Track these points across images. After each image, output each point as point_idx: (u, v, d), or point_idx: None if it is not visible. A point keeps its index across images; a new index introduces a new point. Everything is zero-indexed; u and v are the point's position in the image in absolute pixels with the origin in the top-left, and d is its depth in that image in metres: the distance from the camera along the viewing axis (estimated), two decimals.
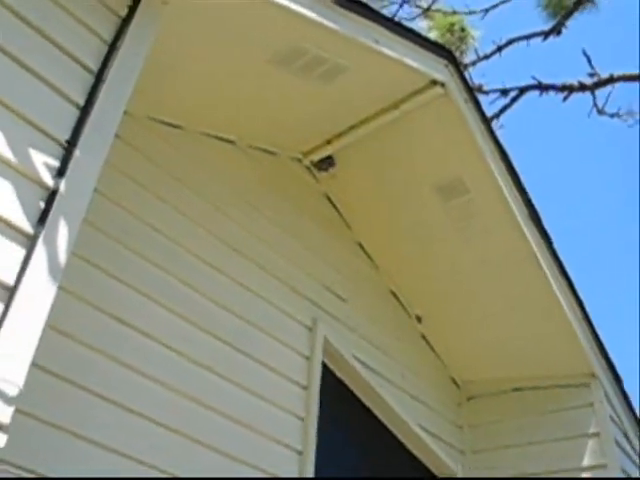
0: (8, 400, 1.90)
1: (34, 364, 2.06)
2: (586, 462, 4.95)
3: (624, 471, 4.96)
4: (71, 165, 2.33)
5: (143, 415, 3.16)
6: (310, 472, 3.90)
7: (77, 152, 2.36)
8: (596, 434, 5.00)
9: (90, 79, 2.53)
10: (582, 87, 8.54)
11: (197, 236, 3.85)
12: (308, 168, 4.90)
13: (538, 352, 5.22)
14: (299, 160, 4.83)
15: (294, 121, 4.42)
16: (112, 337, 3.17)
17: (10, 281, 2.05)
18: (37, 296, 2.10)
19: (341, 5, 3.52)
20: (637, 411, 5.65)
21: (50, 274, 2.15)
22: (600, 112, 8.66)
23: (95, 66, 2.56)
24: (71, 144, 2.36)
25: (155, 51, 2.89)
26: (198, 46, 3.51)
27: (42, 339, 2.07)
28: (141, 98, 3.07)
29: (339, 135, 4.55)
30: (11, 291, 2.04)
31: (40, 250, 2.15)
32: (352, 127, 4.46)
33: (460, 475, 5.16)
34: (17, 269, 2.08)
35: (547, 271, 4.79)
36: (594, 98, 8.64)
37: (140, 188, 3.61)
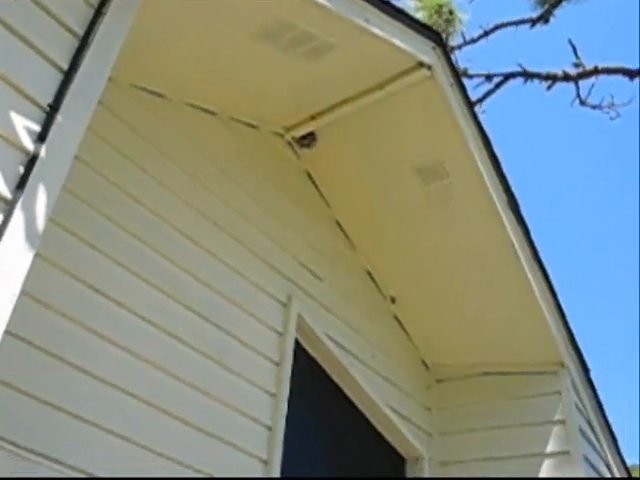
0: None
1: (8, 332, 2.04)
2: (550, 448, 5.02)
3: (586, 459, 5.04)
4: (52, 130, 2.29)
5: (116, 386, 3.15)
6: (279, 448, 3.91)
7: (59, 117, 2.32)
8: (561, 421, 5.07)
9: (75, 43, 2.48)
10: (566, 77, 8.56)
11: (176, 207, 3.81)
12: (289, 143, 4.87)
13: (509, 338, 5.27)
14: (281, 135, 4.79)
15: (278, 96, 4.38)
16: (87, 306, 3.15)
17: None
18: (13, 262, 2.07)
19: None
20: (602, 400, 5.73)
21: (27, 240, 2.12)
22: (582, 103, 8.70)
23: (81, 30, 2.51)
24: (53, 109, 2.32)
25: (141, 18, 2.84)
26: (185, 15, 3.45)
27: (17, 307, 2.04)
28: (126, 65, 3.03)
29: (322, 112, 4.52)
30: None
31: (18, 216, 2.11)
32: (336, 105, 4.43)
33: (426, 456, 5.21)
34: None
35: (522, 259, 4.82)
36: (577, 89, 8.67)
37: (120, 156, 3.57)
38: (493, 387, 5.42)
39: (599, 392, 5.65)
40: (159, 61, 3.78)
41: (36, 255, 2.18)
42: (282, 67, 4.04)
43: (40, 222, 2.18)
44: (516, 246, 4.76)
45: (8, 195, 2.12)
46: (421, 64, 4.10)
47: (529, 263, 4.89)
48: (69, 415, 2.93)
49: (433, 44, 4.17)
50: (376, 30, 3.75)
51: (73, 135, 2.37)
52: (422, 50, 4.10)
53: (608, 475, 5.67)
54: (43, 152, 2.23)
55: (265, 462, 3.82)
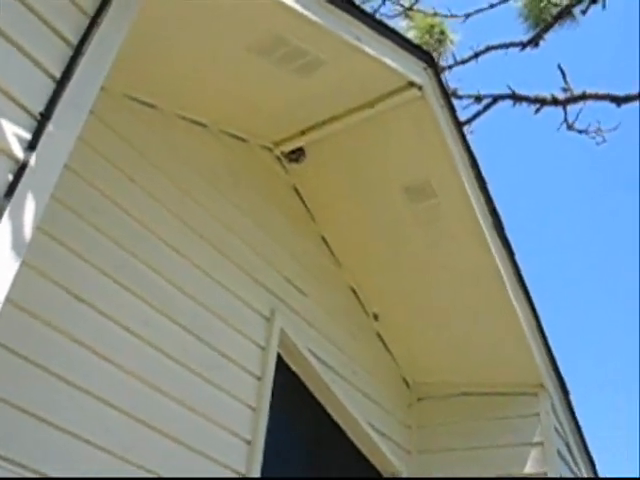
0: None
1: None
2: (528, 469, 5.04)
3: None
4: (43, 139, 2.29)
5: (99, 397, 3.13)
6: (258, 462, 3.90)
7: (50, 126, 2.32)
8: (540, 443, 5.09)
9: (69, 52, 2.48)
10: (554, 101, 8.63)
11: (163, 219, 3.81)
12: (278, 158, 4.87)
13: (490, 359, 5.29)
14: (270, 149, 4.80)
15: (268, 110, 4.39)
16: (73, 316, 3.13)
17: None
18: None
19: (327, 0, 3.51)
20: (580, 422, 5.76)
21: (14, 249, 2.11)
22: (570, 127, 8.76)
23: (75, 39, 2.51)
24: (45, 117, 2.32)
25: (136, 29, 2.84)
26: (180, 27, 3.46)
27: (2, 314, 2.03)
28: (119, 75, 3.03)
29: (312, 128, 4.54)
30: None
31: (5, 224, 2.10)
32: (326, 121, 4.45)
33: (405, 475, 5.20)
34: None
35: (506, 281, 4.85)
36: (565, 113, 8.74)
37: (111, 166, 3.56)
38: (474, 407, 5.43)
39: (578, 415, 5.68)
40: (152, 72, 3.79)
41: (22, 264, 2.17)
42: (274, 81, 4.05)
43: (27, 230, 2.18)
44: (500, 268, 4.79)
45: None
46: (412, 84, 4.13)
47: (512, 285, 4.92)
48: (50, 426, 2.91)
49: (425, 65, 4.19)
50: (367, 48, 3.77)
51: (64, 144, 2.37)
52: (413, 70, 4.13)
53: None
54: (33, 160, 2.23)
55: (243, 476, 3.81)
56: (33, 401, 2.86)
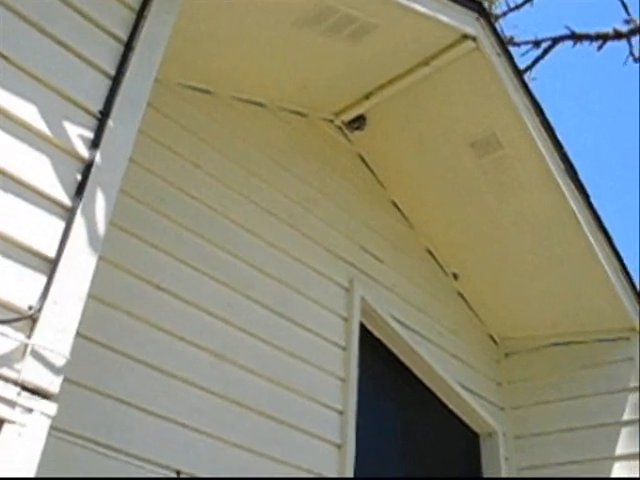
0: (56, 370, 1.94)
1: (79, 334, 2.10)
2: (626, 416, 4.93)
3: None
4: (105, 136, 2.34)
5: (187, 381, 3.21)
6: (352, 431, 3.94)
7: (110, 122, 2.37)
8: (637, 388, 4.97)
9: (120, 48, 2.53)
10: (617, 35, 8.34)
11: (232, 201, 3.86)
12: (340, 128, 4.87)
13: (576, 307, 5.18)
14: (331, 120, 4.80)
15: (324, 82, 4.38)
16: (153, 304, 3.21)
17: (51, 253, 2.08)
18: (78, 267, 2.12)
19: None
20: None
21: (90, 245, 2.17)
22: (636, 60, 8.45)
23: (124, 35, 2.56)
24: (104, 114, 2.37)
25: (183, 18, 2.87)
26: (225, 10, 3.47)
27: (85, 310, 2.10)
28: (171, 65, 3.07)
29: (370, 94, 4.51)
30: (53, 263, 2.07)
31: (79, 222, 2.17)
32: (383, 85, 4.42)
33: (500, 431, 5.17)
34: (57, 241, 2.10)
35: (584, 226, 4.73)
36: (630, 46, 8.43)
37: (173, 155, 3.62)
38: (564, 358, 5.34)
39: None
40: (203, 58, 3.82)
41: (100, 258, 2.23)
42: (326, 52, 4.03)
43: (101, 226, 2.23)
44: (577, 213, 4.67)
45: (68, 202, 2.18)
46: (465, 36, 4.05)
47: (591, 229, 4.79)
48: (145, 412, 3.01)
49: (476, 15, 4.10)
50: (416, 6, 3.71)
51: (125, 139, 2.42)
52: (465, 22, 4.04)
53: None
54: (98, 158, 2.28)
55: (339, 446, 3.86)
56: (126, 390, 2.96)
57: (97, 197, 2.25)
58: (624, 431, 4.89)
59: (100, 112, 2.36)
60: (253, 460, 3.37)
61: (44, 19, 2.31)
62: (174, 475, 2.98)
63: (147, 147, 3.39)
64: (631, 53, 8.36)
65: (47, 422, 1.89)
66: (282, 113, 4.49)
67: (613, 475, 4.78)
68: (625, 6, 8.11)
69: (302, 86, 4.37)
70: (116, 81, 2.46)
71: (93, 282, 2.16)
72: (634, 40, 8.31)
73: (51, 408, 1.90)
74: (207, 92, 4.00)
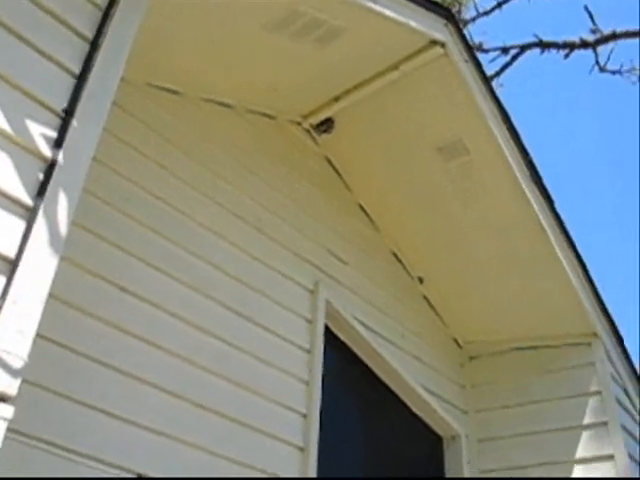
0: (14, 372, 1.91)
1: (40, 335, 2.08)
2: (587, 420, 5.00)
3: (624, 428, 5.01)
4: (69, 135, 2.31)
5: (149, 383, 3.19)
6: (315, 434, 3.94)
7: (74, 122, 2.34)
8: (597, 392, 5.04)
9: (85, 47, 2.50)
10: (584, 44, 8.45)
11: (197, 202, 3.84)
12: (308, 131, 4.87)
13: (540, 312, 5.24)
14: (298, 123, 4.80)
15: (292, 84, 4.37)
16: (115, 305, 3.18)
17: (11, 254, 2.04)
18: (39, 268, 2.09)
19: None
20: (637, 368, 5.69)
21: (51, 246, 2.14)
22: (602, 69, 8.57)
23: (90, 33, 2.52)
24: (68, 114, 2.34)
25: (151, 17, 2.85)
26: (193, 11, 3.45)
27: (46, 310, 2.07)
28: (139, 64, 3.05)
29: (338, 97, 4.52)
30: (13, 264, 2.04)
31: (40, 222, 2.14)
32: (351, 89, 4.42)
33: (463, 434, 5.21)
34: (18, 242, 2.07)
35: (549, 232, 4.79)
36: (596, 55, 8.54)
37: (139, 155, 3.59)
38: (527, 362, 5.40)
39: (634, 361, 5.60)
40: (172, 58, 3.80)
41: (63, 259, 2.21)
42: (294, 55, 4.03)
43: (62, 227, 2.21)
44: (541, 219, 4.72)
45: (30, 202, 2.15)
46: (434, 42, 4.07)
47: (555, 235, 4.85)
48: (107, 415, 2.97)
49: (444, 21, 4.13)
50: (384, 10, 3.72)
51: (89, 138, 2.39)
52: (434, 27, 4.06)
53: None
54: (61, 157, 2.26)
55: (302, 449, 3.85)
56: (87, 392, 2.92)
57: (59, 197, 2.22)
58: (585, 434, 4.96)
59: (64, 111, 2.33)
60: (215, 463, 3.35)
61: (5, 14, 2.27)
62: (133, 476, 2.96)
63: (112, 147, 3.36)
64: (597, 62, 8.48)
65: (3, 425, 1.86)
66: (250, 115, 4.48)
67: (568, 474, 4.84)
68: (591, 16, 8.22)
69: (270, 88, 4.36)
70: (81, 79, 2.43)
71: (55, 283, 2.13)
72: (600, 50, 8.43)
73: (8, 411, 1.87)
74: (175, 92, 3.98)
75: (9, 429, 1.90)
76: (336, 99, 4.53)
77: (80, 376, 2.94)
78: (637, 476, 4.97)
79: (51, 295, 2.13)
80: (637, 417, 5.54)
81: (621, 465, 4.75)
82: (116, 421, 3.00)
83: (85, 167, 2.34)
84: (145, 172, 3.59)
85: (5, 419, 1.86)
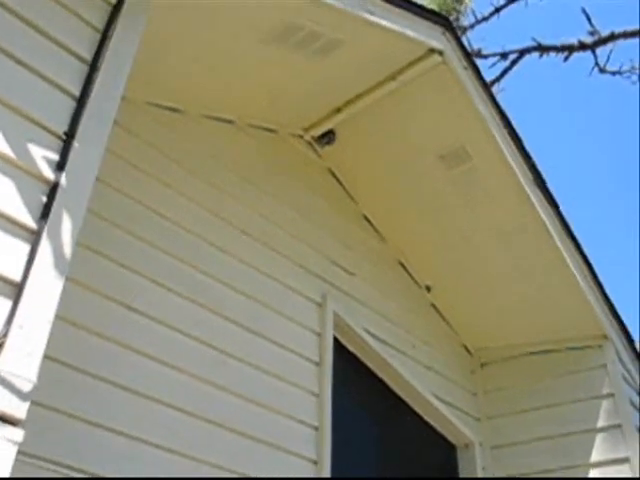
0: (22, 396, 1.91)
1: (48, 357, 2.08)
2: (601, 423, 4.97)
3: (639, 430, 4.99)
4: (71, 157, 2.32)
5: (159, 400, 3.19)
6: (327, 447, 3.93)
7: (76, 144, 2.35)
8: (610, 395, 5.02)
9: (84, 69, 2.51)
10: (582, 46, 8.45)
11: (202, 219, 3.84)
12: (309, 144, 4.87)
13: (549, 316, 5.23)
14: (300, 136, 4.80)
15: (293, 97, 4.39)
16: (123, 325, 3.19)
17: (17, 277, 2.05)
18: (44, 290, 2.10)
19: None
20: None
21: (56, 268, 2.15)
22: (602, 70, 8.56)
23: (89, 55, 2.54)
24: (69, 136, 2.35)
25: (149, 36, 2.87)
26: (191, 28, 3.47)
27: (54, 331, 2.08)
28: (138, 84, 3.07)
29: (339, 109, 4.53)
30: (18, 287, 2.04)
31: (44, 244, 2.15)
32: (352, 100, 4.43)
33: (476, 442, 5.19)
34: (23, 265, 2.08)
35: (555, 235, 4.78)
36: (595, 57, 8.55)
37: (142, 174, 3.61)
38: (538, 366, 5.38)
39: None
40: (171, 76, 3.82)
41: (69, 280, 2.22)
42: (293, 68, 4.05)
43: (67, 248, 2.21)
44: (546, 223, 4.71)
45: (33, 225, 2.16)
46: (432, 50, 4.08)
47: (561, 238, 4.84)
48: (118, 434, 2.98)
49: (442, 29, 4.14)
50: (382, 21, 3.73)
51: (91, 160, 2.40)
52: (431, 36, 4.07)
53: None
54: (63, 180, 2.27)
55: (315, 462, 3.84)
56: (96, 412, 2.93)
57: (63, 219, 2.23)
58: (599, 438, 4.93)
59: (65, 133, 2.35)
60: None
61: (5, 39, 2.30)
62: None
63: (115, 166, 3.38)
64: (596, 64, 8.48)
65: (14, 449, 1.86)
66: (251, 130, 4.50)
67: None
68: (589, 17, 8.23)
69: (271, 102, 4.38)
70: (81, 102, 2.44)
71: (62, 304, 2.14)
72: (599, 51, 8.44)
73: (17, 434, 1.87)
74: (175, 110, 4.00)
75: (20, 452, 1.89)
76: (337, 111, 4.54)
77: (88, 396, 2.94)
78: None
79: (58, 316, 2.14)
80: None
81: (637, 467, 4.72)
82: (126, 439, 3.00)
83: (88, 188, 2.35)
84: (149, 190, 3.60)
85: (15, 442, 1.86)
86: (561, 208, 4.83)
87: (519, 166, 4.59)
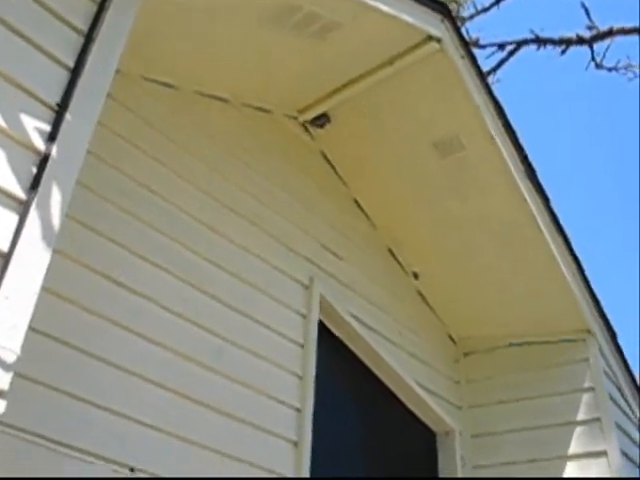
0: (5, 367, 1.91)
1: (33, 329, 2.07)
2: (581, 416, 5.01)
3: (618, 425, 5.03)
4: (62, 129, 2.31)
5: (143, 376, 3.18)
6: (309, 429, 3.94)
7: (68, 115, 2.34)
8: (591, 388, 5.06)
9: (79, 40, 2.49)
10: (580, 40, 8.44)
11: (192, 196, 3.83)
12: (303, 126, 4.86)
13: (534, 308, 5.25)
14: (294, 118, 4.78)
15: (288, 79, 4.37)
16: (110, 299, 3.18)
17: (4, 248, 2.04)
18: (32, 262, 2.09)
19: None
20: (631, 367, 5.70)
21: (44, 239, 2.14)
22: (598, 66, 8.56)
23: (84, 26, 2.52)
24: (62, 107, 2.34)
25: (146, 10, 2.84)
26: (189, 4, 3.44)
27: (40, 303, 2.07)
28: (134, 57, 3.05)
29: (334, 92, 4.50)
30: (5, 258, 2.03)
31: (33, 215, 2.13)
32: (347, 83, 4.41)
33: (457, 430, 5.22)
34: (10, 235, 2.07)
35: (544, 228, 4.79)
36: (592, 52, 8.54)
37: (134, 149, 3.58)
38: (521, 358, 5.40)
39: (628, 358, 5.62)
40: (167, 52, 3.79)
41: (55, 252, 2.20)
42: (290, 49, 4.02)
43: (56, 220, 2.20)
44: (536, 215, 4.72)
45: (22, 196, 2.14)
46: (430, 37, 4.06)
47: (550, 231, 4.85)
48: (99, 408, 2.97)
49: (441, 17, 4.12)
50: (381, 5, 3.71)
51: (83, 132, 2.39)
52: (430, 23, 4.05)
53: None
54: (54, 151, 2.25)
55: (295, 443, 3.86)
56: (80, 386, 2.92)
57: (53, 191, 2.22)
58: (578, 431, 4.97)
59: (58, 105, 2.33)
60: (208, 457, 3.35)
61: (3, 10, 2.27)
62: (127, 471, 2.95)
63: (107, 140, 3.35)
64: (593, 59, 8.47)
65: None
66: (245, 109, 4.47)
67: (566, 475, 4.85)
68: (588, 12, 8.21)
69: (265, 82, 4.35)
70: (75, 73, 2.42)
71: (49, 276, 2.13)
72: (596, 46, 8.43)
73: (0, 405, 1.87)
74: (170, 86, 3.97)
75: (3, 423, 1.89)
76: (332, 94, 4.51)
77: (73, 369, 2.93)
78: (629, 473, 4.98)
79: (45, 288, 2.13)
80: (630, 414, 5.56)
81: (614, 462, 4.76)
82: (111, 415, 2.99)
83: (79, 160, 2.34)
84: (140, 165, 3.58)
85: None
86: (551, 202, 4.84)
87: (511, 157, 4.59)
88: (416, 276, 5.46)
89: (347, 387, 4.74)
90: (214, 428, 3.46)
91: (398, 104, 4.52)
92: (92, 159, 3.02)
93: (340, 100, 4.52)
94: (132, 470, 2.97)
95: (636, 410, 5.77)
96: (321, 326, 4.41)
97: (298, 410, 3.96)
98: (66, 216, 2.28)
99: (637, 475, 5.18)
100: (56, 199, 2.23)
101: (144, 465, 3.05)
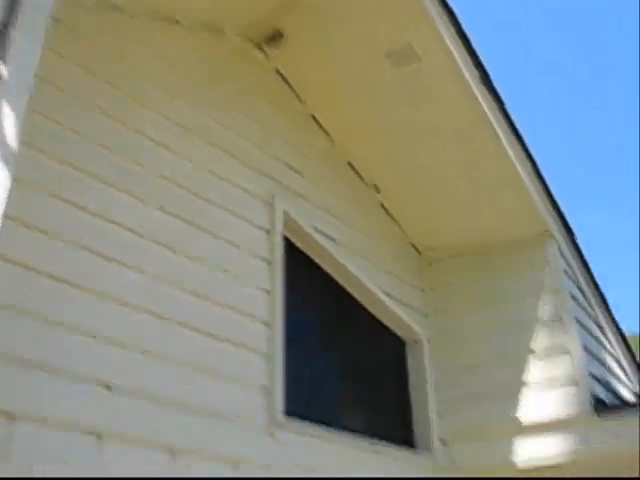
0: None
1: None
2: (543, 315, 5.14)
3: (579, 322, 5.18)
4: (10, 48, 2.26)
5: (109, 297, 3.21)
6: (279, 341, 4.02)
7: (16, 34, 2.29)
8: (552, 289, 5.18)
9: None
10: None
11: (147, 118, 3.79)
12: (257, 44, 4.80)
13: (494, 213, 5.32)
14: (247, 36, 4.73)
15: None
16: (70, 222, 3.16)
17: None
18: None
19: None
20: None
21: (3, 160, 2.12)
22: None
23: None
24: (5, 25, 2.28)
25: None
26: None
27: (3, 229, 2.07)
28: None
29: (286, 8, 4.45)
30: None
31: None
32: None
33: (424, 337, 5.34)
34: None
35: (500, 133, 4.84)
36: None
37: (87, 74, 3.52)
38: (483, 263, 5.51)
39: (587, 258, 5.75)
40: None
41: (15, 179, 2.19)
42: None
43: (12, 143, 2.18)
44: (491, 119, 4.76)
45: None
46: None
47: (506, 136, 4.90)
48: (71, 329, 2.99)
49: None
50: None
51: (31, 51, 2.34)
52: None
53: (602, 338, 5.83)
54: (4, 71, 2.21)
55: (269, 357, 3.94)
56: (51, 309, 2.94)
57: (5, 112, 2.19)
58: (541, 330, 5.12)
59: (2, 23, 2.28)
60: (181, 371, 3.42)
61: None
62: (103, 387, 3.01)
63: (57, 64, 3.28)
64: None
65: None
66: (197, 30, 4.40)
67: (527, 369, 5.01)
68: None
69: (216, 2, 4.27)
70: None
71: (9, 203, 2.12)
72: None
73: None
74: (118, 8, 3.87)
75: None
76: (284, 10, 4.46)
77: (42, 293, 2.95)
78: (591, 368, 5.13)
79: (6, 215, 2.12)
80: (590, 312, 5.73)
81: (576, 357, 4.93)
82: (81, 335, 3.02)
83: (30, 80, 2.30)
84: (94, 90, 3.52)
85: None
86: (506, 106, 4.87)
87: (465, 63, 4.60)
88: (377, 189, 5.50)
89: (315, 300, 4.83)
90: (189, 344, 3.51)
91: (350, 15, 4.48)
92: (43, 84, 2.97)
93: (293, 16, 4.52)
94: (109, 387, 3.03)
95: (597, 310, 5.95)
96: (286, 242, 4.46)
97: (267, 324, 4.03)
98: (20, 141, 2.26)
99: (597, 368, 5.37)
100: (10, 122, 2.19)
101: (117, 380, 3.09)
